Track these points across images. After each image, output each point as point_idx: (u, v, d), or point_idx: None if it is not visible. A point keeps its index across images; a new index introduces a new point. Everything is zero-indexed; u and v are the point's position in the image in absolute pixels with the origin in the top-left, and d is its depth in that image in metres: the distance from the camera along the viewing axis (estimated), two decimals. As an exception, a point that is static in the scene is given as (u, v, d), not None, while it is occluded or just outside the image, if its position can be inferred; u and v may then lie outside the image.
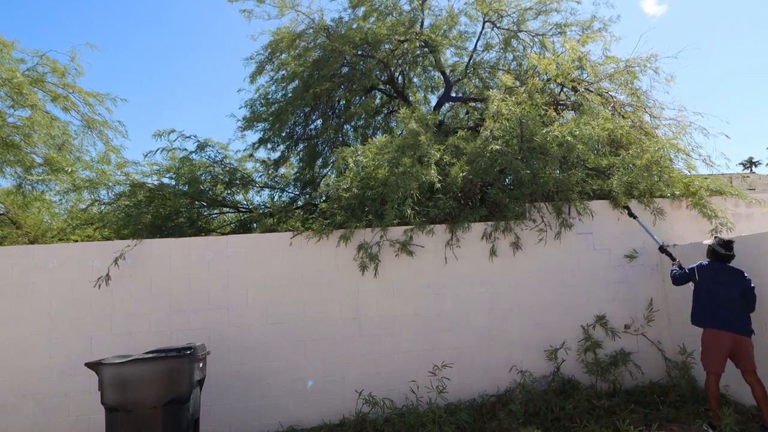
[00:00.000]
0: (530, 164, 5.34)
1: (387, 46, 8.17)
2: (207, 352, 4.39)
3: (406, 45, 8.33)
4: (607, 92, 7.03)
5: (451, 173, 5.45)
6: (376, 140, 6.29)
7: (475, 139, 5.87)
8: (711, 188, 5.83)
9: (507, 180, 5.98)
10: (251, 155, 8.69)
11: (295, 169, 9.24)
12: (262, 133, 8.76)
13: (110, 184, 6.51)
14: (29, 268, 4.86)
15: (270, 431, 4.88)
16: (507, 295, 5.37)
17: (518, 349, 5.28)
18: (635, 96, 6.98)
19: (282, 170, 9.17)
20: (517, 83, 7.21)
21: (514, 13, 8.16)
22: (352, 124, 9.62)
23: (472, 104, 8.37)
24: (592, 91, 6.90)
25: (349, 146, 6.44)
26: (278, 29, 8.49)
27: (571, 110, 7.16)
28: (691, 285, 4.49)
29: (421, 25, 8.43)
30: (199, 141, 7.27)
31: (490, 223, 5.44)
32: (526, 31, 8.24)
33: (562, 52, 7.54)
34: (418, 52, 8.76)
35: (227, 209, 7.68)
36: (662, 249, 5.23)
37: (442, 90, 9.21)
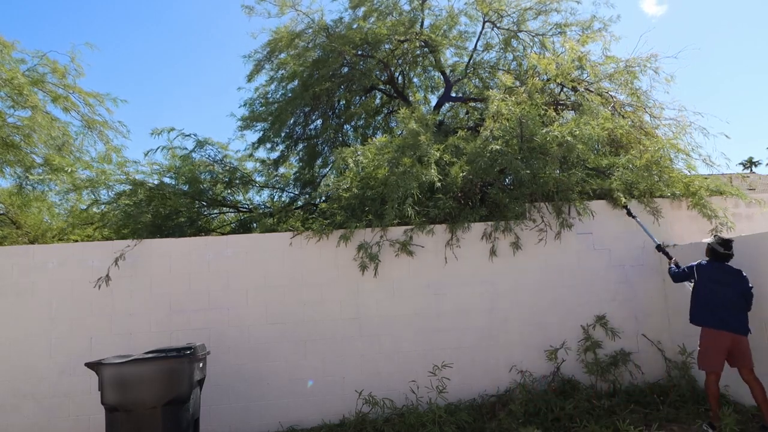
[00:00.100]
0: (530, 164, 5.34)
1: (387, 46, 8.17)
2: (207, 352, 4.39)
3: (406, 45, 8.33)
4: (607, 92, 7.03)
5: (451, 173, 5.45)
6: (376, 140, 6.28)
7: (475, 139, 5.86)
8: (711, 188, 5.84)
9: (507, 180, 5.98)
10: (251, 155, 8.70)
11: (295, 169, 9.24)
12: (261, 132, 8.76)
13: (110, 183, 6.51)
14: (29, 268, 4.86)
15: (270, 431, 4.88)
16: (507, 295, 5.37)
17: (518, 349, 5.28)
18: (635, 96, 6.97)
19: (282, 170, 9.17)
20: (517, 83, 7.20)
21: (514, 13, 8.16)
22: (352, 124, 9.62)
23: (472, 104, 8.36)
24: (592, 91, 6.90)
25: (349, 146, 6.45)
26: (278, 28, 8.50)
27: (571, 110, 7.16)
28: (690, 284, 4.49)
29: (421, 25, 8.42)
30: (198, 139, 7.29)
31: (490, 223, 5.44)
32: (526, 31, 8.24)
33: (562, 52, 7.54)
34: (418, 52, 8.75)
35: (227, 209, 7.69)
36: (659, 248, 5.24)
37: (442, 90, 9.21)
